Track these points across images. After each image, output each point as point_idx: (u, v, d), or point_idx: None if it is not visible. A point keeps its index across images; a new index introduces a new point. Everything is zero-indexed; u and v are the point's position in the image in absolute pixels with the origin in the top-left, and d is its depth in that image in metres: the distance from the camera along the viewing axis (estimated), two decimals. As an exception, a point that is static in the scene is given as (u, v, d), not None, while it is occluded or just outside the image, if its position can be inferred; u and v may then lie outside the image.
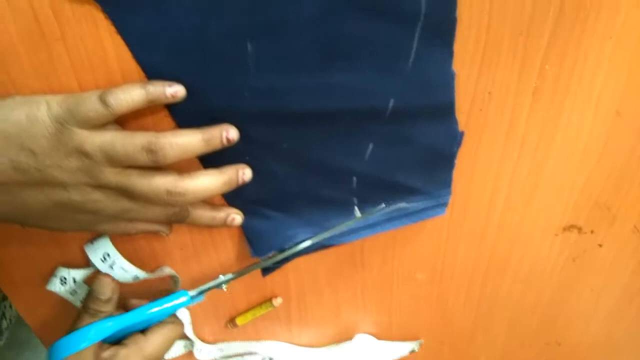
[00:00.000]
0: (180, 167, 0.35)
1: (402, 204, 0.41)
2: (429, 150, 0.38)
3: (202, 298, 0.41)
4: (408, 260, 0.47)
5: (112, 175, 0.32)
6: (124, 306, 0.41)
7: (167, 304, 0.39)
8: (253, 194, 0.38)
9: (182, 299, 0.40)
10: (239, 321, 0.50)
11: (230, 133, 0.33)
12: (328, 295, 0.50)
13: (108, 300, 0.39)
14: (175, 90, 0.31)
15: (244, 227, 0.41)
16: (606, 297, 0.51)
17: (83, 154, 0.31)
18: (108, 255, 0.40)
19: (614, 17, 0.32)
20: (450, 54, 0.33)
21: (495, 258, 0.47)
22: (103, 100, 0.30)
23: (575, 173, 0.41)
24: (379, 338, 0.54)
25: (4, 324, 0.54)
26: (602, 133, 0.38)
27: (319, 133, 0.36)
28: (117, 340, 0.39)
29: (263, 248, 0.41)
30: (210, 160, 0.36)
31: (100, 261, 0.40)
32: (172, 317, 0.41)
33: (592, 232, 0.45)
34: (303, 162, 0.37)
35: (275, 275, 0.47)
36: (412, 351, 0.55)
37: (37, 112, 0.30)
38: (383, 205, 0.41)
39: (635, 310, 0.52)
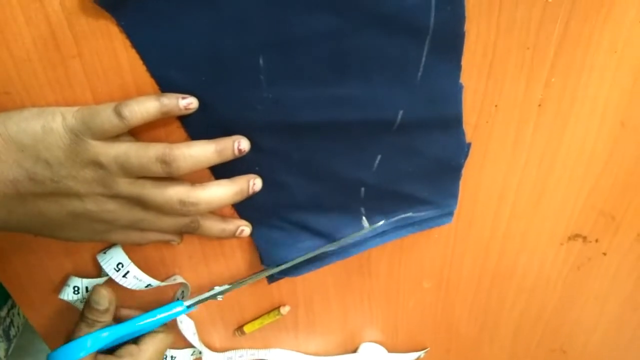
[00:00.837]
0: (193, 178, 0.35)
1: (409, 214, 0.42)
2: (436, 161, 0.39)
3: (196, 307, 0.42)
4: (414, 269, 0.48)
5: (126, 186, 0.33)
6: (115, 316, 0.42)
7: (163, 314, 0.40)
8: (264, 204, 0.39)
9: (178, 309, 0.41)
10: (246, 329, 0.51)
11: (242, 144, 0.34)
12: (335, 303, 0.50)
13: (105, 311, 0.39)
14: (189, 102, 0.32)
15: (254, 237, 0.41)
16: (610, 305, 0.51)
17: (98, 165, 0.31)
18: (121, 264, 0.41)
19: (619, 32, 0.33)
20: (458, 67, 0.34)
21: (501, 267, 0.48)
22: (118, 113, 0.31)
23: (581, 183, 0.41)
24: (385, 346, 0.54)
25: (12, 331, 0.55)
26: (607, 144, 0.39)
27: (329, 144, 0.36)
28: (108, 350, 0.40)
29: (273, 258, 0.42)
30: (222, 170, 0.36)
31: (114, 270, 0.41)
32: (162, 327, 0.42)
33: (596, 240, 0.46)
34: (313, 172, 0.38)
35: (283, 283, 0.48)
36: (418, 358, 0.56)
37: (52, 123, 0.31)
38: (390, 215, 0.42)
39: (639, 318, 0.52)
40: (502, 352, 0.57)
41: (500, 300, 0.51)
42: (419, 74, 0.34)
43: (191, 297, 0.41)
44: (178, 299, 0.46)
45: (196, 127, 0.35)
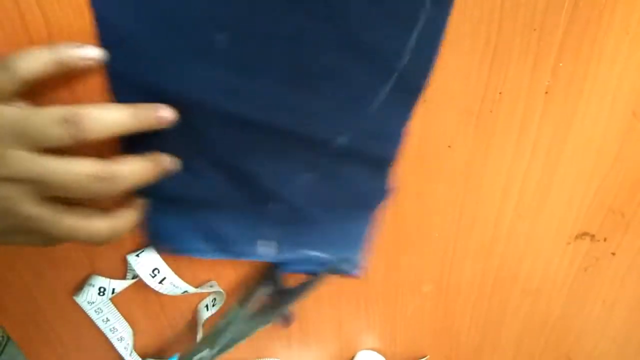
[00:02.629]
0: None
1: (316, 253, 0.40)
2: (355, 199, 0.38)
3: None
4: (413, 272, 0.45)
5: (21, 161, 0.26)
6: None
7: None
8: (172, 189, 0.35)
9: None
10: (236, 338, 0.48)
11: (164, 113, 0.29)
12: (330, 309, 0.48)
13: None
14: (88, 52, 0.27)
15: (148, 218, 0.37)
16: (619, 309, 0.49)
17: None
18: (157, 270, 0.39)
19: (631, 12, 0.31)
20: (409, 114, 0.34)
21: (504, 269, 0.45)
22: (3, 65, 0.26)
23: (589, 177, 0.39)
24: (383, 354, 0.52)
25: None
26: (617, 135, 0.37)
27: (258, 146, 0.34)
28: None
29: (160, 236, 0.38)
30: (136, 150, 0.32)
31: (150, 276, 0.38)
32: None
33: (605, 239, 0.43)
34: (231, 171, 0.35)
35: (275, 288, 0.45)
36: (418, 368, 0.53)
37: None
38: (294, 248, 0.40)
39: (649, 322, 0.50)
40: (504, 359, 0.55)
41: (503, 305, 0.49)
42: (373, 106, 0.33)
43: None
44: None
45: (123, 91, 0.31)
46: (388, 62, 0.31)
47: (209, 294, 0.44)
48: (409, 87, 0.33)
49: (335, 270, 0.41)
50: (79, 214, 0.30)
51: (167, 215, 0.37)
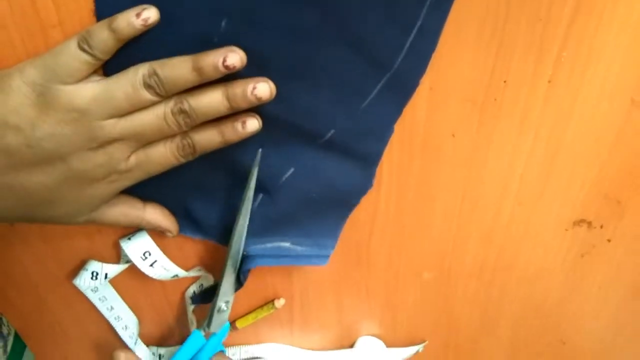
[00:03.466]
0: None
1: (287, 244, 0.41)
2: (339, 193, 0.38)
3: (227, 326, 0.40)
4: (415, 258, 0.46)
5: (113, 127, 0.29)
6: None
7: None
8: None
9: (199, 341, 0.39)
10: (239, 324, 0.48)
11: (229, 59, 0.29)
12: (332, 296, 0.48)
13: None
14: (147, 17, 0.28)
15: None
16: (613, 295, 0.50)
17: (75, 111, 0.28)
18: (149, 253, 0.39)
19: (633, 4, 0.32)
20: (400, 111, 0.35)
21: (504, 256, 0.46)
22: (82, 46, 0.28)
23: (587, 165, 0.40)
24: (383, 340, 0.53)
25: (4, 329, 0.51)
26: (616, 123, 0.37)
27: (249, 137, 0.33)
28: None
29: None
30: None
31: (140, 259, 0.39)
32: (216, 356, 0.39)
33: (601, 226, 0.44)
34: (215, 157, 0.34)
35: (278, 275, 0.46)
36: (417, 352, 0.54)
37: (11, 82, 0.27)
38: (267, 240, 0.40)
39: (642, 307, 0.51)
40: (501, 345, 0.56)
41: (501, 291, 0.50)
42: (365, 103, 0.34)
43: None
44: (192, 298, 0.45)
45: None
46: (384, 59, 0.32)
47: (198, 278, 0.45)
48: (403, 85, 0.34)
49: (306, 261, 0.42)
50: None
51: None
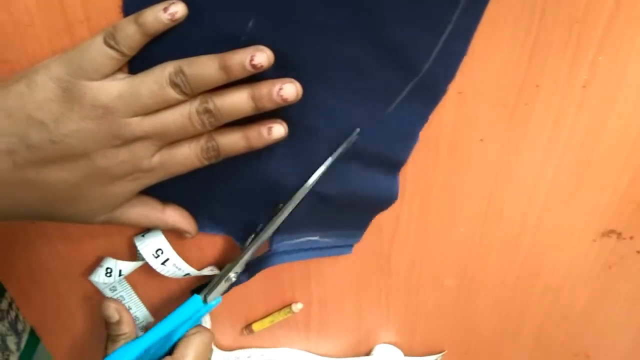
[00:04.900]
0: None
1: (316, 237, 0.40)
2: (362, 197, 0.37)
3: (220, 300, 0.38)
4: (437, 265, 0.45)
5: (138, 125, 0.29)
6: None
7: (182, 315, 0.37)
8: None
9: (197, 306, 0.37)
10: (255, 327, 0.48)
11: (257, 58, 0.28)
12: (351, 302, 0.47)
13: (119, 322, 0.37)
14: (174, 11, 0.28)
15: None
16: (640, 308, 0.49)
17: (100, 108, 0.28)
18: (161, 250, 0.38)
19: (674, 7, 0.31)
20: (425, 119, 0.34)
21: (528, 264, 0.45)
22: (109, 42, 0.27)
23: (619, 174, 0.39)
24: (401, 348, 0.52)
25: (20, 325, 0.51)
26: (652, 132, 0.36)
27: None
28: None
29: None
30: None
31: (153, 257, 0.38)
32: (195, 328, 0.38)
33: (631, 238, 0.43)
34: (237, 162, 0.33)
35: (297, 279, 0.45)
36: (435, 362, 0.53)
37: (36, 77, 0.27)
38: (295, 236, 0.40)
39: (670, 321, 0.50)
40: (522, 356, 0.54)
41: (525, 300, 0.48)
42: (391, 108, 0.33)
43: None
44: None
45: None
46: (413, 63, 0.31)
47: (210, 277, 0.44)
48: (430, 90, 0.33)
49: (332, 252, 0.41)
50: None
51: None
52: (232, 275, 0.38)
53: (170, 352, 0.37)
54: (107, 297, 0.38)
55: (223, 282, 0.38)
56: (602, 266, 0.45)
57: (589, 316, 0.50)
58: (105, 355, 0.36)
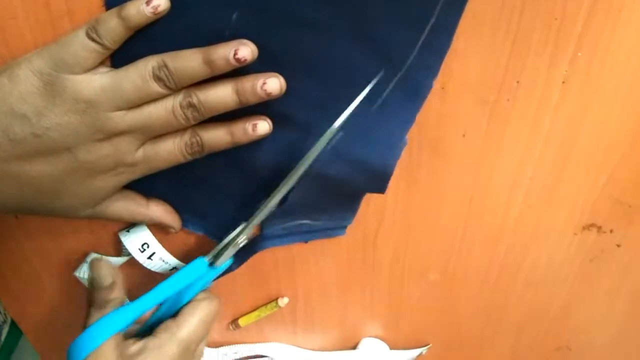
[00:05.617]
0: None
1: (306, 221, 0.40)
2: (352, 187, 0.37)
3: (229, 263, 0.37)
4: (421, 260, 0.45)
5: (121, 119, 0.29)
6: None
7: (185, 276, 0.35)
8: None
9: (201, 269, 0.35)
10: (242, 322, 0.48)
11: (240, 52, 0.28)
12: (336, 296, 0.48)
13: (112, 286, 0.34)
14: (156, 4, 0.28)
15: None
16: (620, 300, 0.50)
17: (83, 101, 0.28)
18: (147, 245, 0.38)
19: (651, 4, 0.31)
20: (413, 116, 0.34)
21: (510, 259, 0.46)
22: (91, 35, 0.27)
23: (599, 169, 0.39)
24: (386, 342, 0.52)
25: (1, 317, 0.51)
26: (630, 127, 0.37)
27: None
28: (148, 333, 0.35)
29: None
30: None
31: (139, 251, 0.38)
32: (204, 294, 0.36)
33: (611, 231, 0.44)
34: (224, 152, 0.33)
35: (282, 274, 0.45)
36: (420, 355, 0.53)
37: (18, 70, 0.27)
38: (286, 220, 0.39)
39: (649, 314, 0.51)
40: (505, 349, 0.55)
41: (507, 294, 0.49)
42: (375, 105, 0.33)
43: None
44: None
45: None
46: (395, 58, 0.31)
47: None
48: (415, 87, 0.33)
49: (324, 235, 0.41)
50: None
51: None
52: (242, 239, 0.36)
53: (175, 315, 0.35)
54: (96, 257, 0.36)
55: (231, 246, 0.36)
56: (582, 259, 0.46)
57: (571, 309, 0.51)
58: (87, 324, 0.33)
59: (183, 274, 0.35)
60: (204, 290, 0.36)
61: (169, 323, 0.34)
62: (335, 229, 0.42)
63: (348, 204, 0.40)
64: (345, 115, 0.32)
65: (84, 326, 0.33)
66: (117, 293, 0.35)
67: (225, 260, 0.36)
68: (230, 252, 0.36)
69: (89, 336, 0.32)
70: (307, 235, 0.41)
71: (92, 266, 0.35)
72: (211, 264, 0.36)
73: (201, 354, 0.37)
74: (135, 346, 0.32)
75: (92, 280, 0.35)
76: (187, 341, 0.34)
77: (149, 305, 0.34)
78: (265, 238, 0.39)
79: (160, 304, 0.35)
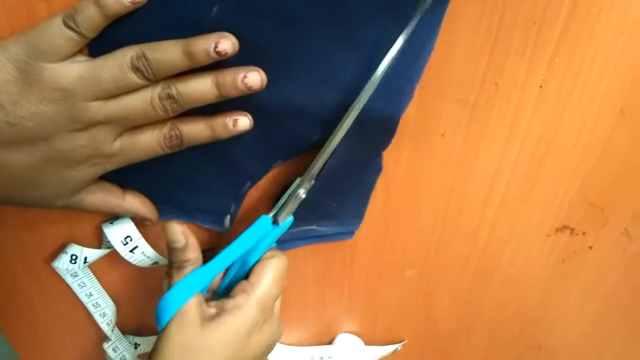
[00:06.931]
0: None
1: (313, 227, 0.40)
2: (355, 178, 0.38)
3: (291, 220, 0.36)
4: (399, 257, 0.46)
5: (99, 109, 0.28)
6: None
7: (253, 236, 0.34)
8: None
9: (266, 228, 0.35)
10: (218, 316, 0.48)
11: (221, 44, 0.28)
12: (314, 293, 0.48)
13: (186, 247, 0.34)
14: None
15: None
16: (591, 300, 0.51)
17: (59, 91, 0.27)
18: (130, 238, 0.38)
19: (627, 13, 0.32)
20: (398, 116, 0.34)
21: (485, 258, 0.47)
22: (68, 23, 0.27)
23: (574, 172, 0.40)
24: (362, 338, 0.53)
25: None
26: (604, 131, 0.38)
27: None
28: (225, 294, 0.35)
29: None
30: None
31: (121, 244, 0.37)
32: (271, 252, 0.36)
33: (583, 233, 0.45)
34: (212, 151, 0.34)
35: (260, 268, 0.45)
36: (395, 351, 0.54)
37: None
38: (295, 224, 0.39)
39: (618, 314, 0.52)
40: (479, 346, 0.56)
41: (482, 293, 0.50)
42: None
43: None
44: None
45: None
46: (375, 56, 0.31)
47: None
48: (395, 89, 0.33)
49: (331, 239, 0.42)
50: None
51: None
52: (302, 192, 0.35)
53: (246, 277, 0.35)
54: (170, 220, 0.35)
55: (292, 200, 0.35)
56: (555, 260, 0.47)
57: (543, 309, 0.52)
58: (170, 284, 0.33)
59: (249, 234, 0.34)
60: (270, 249, 0.36)
61: (244, 284, 0.34)
62: (343, 233, 0.42)
63: (356, 210, 0.41)
64: (389, 59, 0.31)
65: (168, 286, 0.34)
66: (193, 253, 0.35)
67: (287, 217, 0.36)
68: (292, 207, 0.35)
69: (173, 296, 0.33)
70: (314, 239, 0.41)
71: (164, 229, 0.35)
72: (274, 222, 0.35)
73: (278, 312, 0.37)
74: (213, 308, 0.33)
75: (168, 244, 0.35)
76: (264, 300, 0.34)
77: (222, 265, 0.34)
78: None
79: (227, 269, 0.36)
